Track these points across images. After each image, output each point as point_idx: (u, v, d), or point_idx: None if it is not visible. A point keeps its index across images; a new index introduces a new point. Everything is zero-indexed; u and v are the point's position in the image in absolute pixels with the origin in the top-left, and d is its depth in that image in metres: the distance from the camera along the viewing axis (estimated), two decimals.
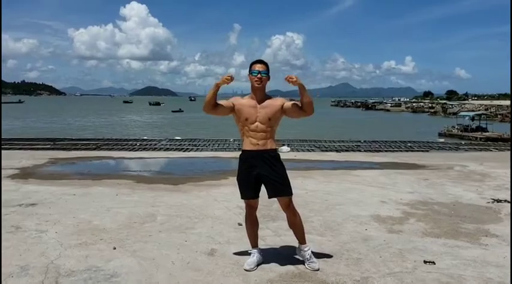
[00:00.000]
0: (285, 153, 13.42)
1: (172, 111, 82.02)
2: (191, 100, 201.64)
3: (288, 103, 3.95)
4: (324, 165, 10.56)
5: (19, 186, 7.55)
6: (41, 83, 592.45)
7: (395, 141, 18.46)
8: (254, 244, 4.18)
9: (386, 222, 5.57)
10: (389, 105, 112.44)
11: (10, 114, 66.78)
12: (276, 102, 3.93)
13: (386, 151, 14.61)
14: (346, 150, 14.68)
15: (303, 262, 4.09)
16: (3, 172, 8.89)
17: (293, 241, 4.36)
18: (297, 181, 8.14)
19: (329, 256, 4.33)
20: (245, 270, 3.96)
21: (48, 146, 15.63)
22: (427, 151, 15.01)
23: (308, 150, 14.68)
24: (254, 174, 3.90)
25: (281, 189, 3.95)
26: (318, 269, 3.99)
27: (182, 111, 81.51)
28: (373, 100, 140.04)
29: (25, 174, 8.78)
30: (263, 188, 4.01)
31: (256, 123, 3.86)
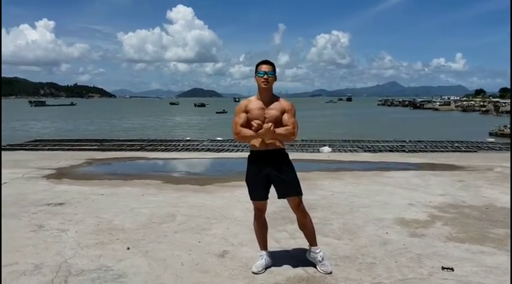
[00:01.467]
0: (325, 153, 13.25)
1: (217, 112, 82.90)
2: (235, 101, 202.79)
3: (285, 115, 3.78)
4: (356, 165, 10.32)
5: (52, 186, 7.80)
6: (92, 86, 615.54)
7: (442, 141, 17.65)
8: (263, 247, 4.11)
9: (410, 226, 5.36)
10: (438, 103, 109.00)
11: (62, 116, 69.62)
12: (283, 105, 3.83)
13: (431, 151, 14.06)
14: (390, 150, 14.23)
15: (314, 266, 3.99)
16: (41, 172, 9.25)
17: (305, 244, 4.28)
18: (325, 182, 8.00)
19: (342, 260, 4.20)
20: (253, 273, 3.91)
21: (95, 147, 16.03)
22: (475, 151, 14.31)
23: (350, 151, 14.37)
24: (263, 174, 3.84)
25: (290, 189, 3.86)
26: (331, 272, 3.89)
27: (226, 112, 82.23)
28: (421, 99, 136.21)
29: (60, 174, 9.06)
30: (272, 190, 3.95)
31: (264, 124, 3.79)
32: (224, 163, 11.32)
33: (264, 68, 3.81)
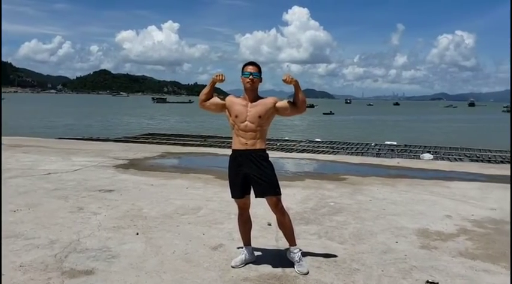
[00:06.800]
0: (427, 160, 12.78)
1: (324, 114, 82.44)
2: (347, 102, 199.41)
3: (280, 102, 4.00)
4: (421, 173, 9.76)
5: (115, 175, 8.54)
6: None
7: None
8: (245, 243, 4.26)
9: (428, 237, 5.09)
10: None
11: (178, 112, 74.14)
12: (268, 101, 3.99)
13: None
14: (501, 161, 13.32)
15: (293, 265, 4.03)
16: (114, 162, 10.15)
17: (303, 245, 4.44)
18: (373, 188, 7.79)
19: (327, 264, 4.18)
20: (231, 267, 4.07)
21: (198, 142, 17.05)
22: None
23: (455, 159, 13.68)
24: (242, 173, 3.99)
25: (268, 189, 3.97)
26: (307, 273, 3.93)
27: (333, 114, 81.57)
28: None
29: (130, 165, 9.85)
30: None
31: (246, 122, 3.93)
32: (288, 162, 11.39)
33: (250, 68, 3.96)
